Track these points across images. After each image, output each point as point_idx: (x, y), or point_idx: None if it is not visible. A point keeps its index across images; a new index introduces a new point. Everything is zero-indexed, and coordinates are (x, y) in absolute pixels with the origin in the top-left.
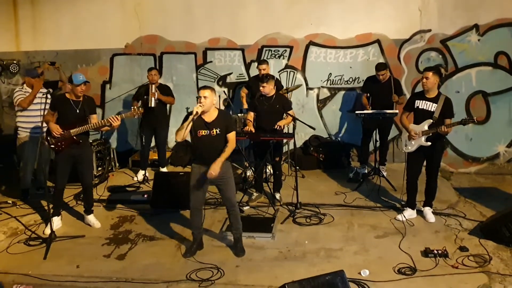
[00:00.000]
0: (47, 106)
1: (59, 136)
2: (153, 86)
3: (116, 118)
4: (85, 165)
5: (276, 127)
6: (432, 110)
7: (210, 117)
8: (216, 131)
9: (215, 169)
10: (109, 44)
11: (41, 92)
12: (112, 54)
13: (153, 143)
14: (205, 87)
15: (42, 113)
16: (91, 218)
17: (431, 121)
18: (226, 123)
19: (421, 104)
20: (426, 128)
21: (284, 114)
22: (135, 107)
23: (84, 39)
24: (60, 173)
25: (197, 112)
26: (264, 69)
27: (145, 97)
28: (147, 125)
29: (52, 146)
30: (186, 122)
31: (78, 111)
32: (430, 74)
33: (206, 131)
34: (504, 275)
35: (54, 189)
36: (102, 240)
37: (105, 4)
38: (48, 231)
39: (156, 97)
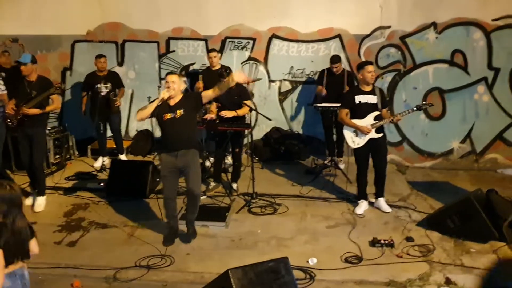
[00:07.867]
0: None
1: (12, 114)
2: (116, 101)
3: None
4: (36, 145)
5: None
6: (374, 102)
7: (174, 101)
8: (180, 112)
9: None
10: (71, 30)
11: None
12: (73, 41)
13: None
14: (172, 73)
15: None
16: (39, 199)
17: (378, 112)
18: (189, 101)
19: (362, 98)
20: (373, 120)
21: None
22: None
23: (45, 24)
24: (22, 151)
25: (163, 98)
26: (214, 57)
27: (96, 86)
28: (99, 114)
29: (9, 120)
30: (152, 104)
31: (28, 90)
32: (371, 67)
33: (171, 114)
34: (445, 264)
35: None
36: (53, 227)
37: None
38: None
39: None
